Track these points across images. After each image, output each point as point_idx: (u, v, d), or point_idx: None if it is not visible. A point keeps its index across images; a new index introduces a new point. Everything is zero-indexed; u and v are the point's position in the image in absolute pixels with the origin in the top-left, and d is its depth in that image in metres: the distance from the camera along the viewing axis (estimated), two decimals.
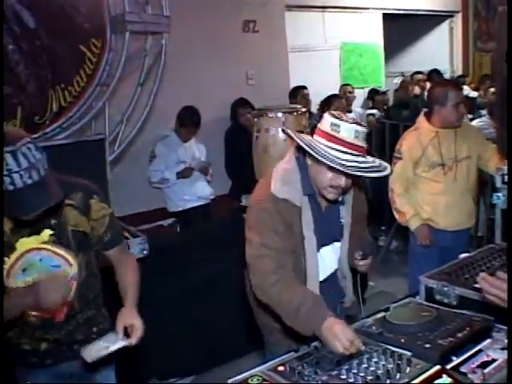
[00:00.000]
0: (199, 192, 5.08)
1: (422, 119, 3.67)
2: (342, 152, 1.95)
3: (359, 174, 1.98)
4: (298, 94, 5.98)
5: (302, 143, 2.01)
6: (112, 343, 1.98)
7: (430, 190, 3.57)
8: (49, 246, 1.99)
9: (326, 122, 2.02)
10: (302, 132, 3.72)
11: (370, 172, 2.01)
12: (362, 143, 1.99)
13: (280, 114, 3.81)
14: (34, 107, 3.79)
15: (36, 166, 1.74)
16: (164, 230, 5.27)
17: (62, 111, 3.90)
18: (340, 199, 2.23)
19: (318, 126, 2.07)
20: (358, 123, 2.00)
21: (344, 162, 1.93)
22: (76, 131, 3.97)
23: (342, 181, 2.05)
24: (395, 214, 3.73)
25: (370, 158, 2.07)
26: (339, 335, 1.83)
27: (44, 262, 2.00)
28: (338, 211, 2.27)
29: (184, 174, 4.90)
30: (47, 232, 1.98)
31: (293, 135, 2.10)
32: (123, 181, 4.76)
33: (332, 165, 1.94)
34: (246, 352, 3.73)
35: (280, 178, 2.13)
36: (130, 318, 2.06)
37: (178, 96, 5.35)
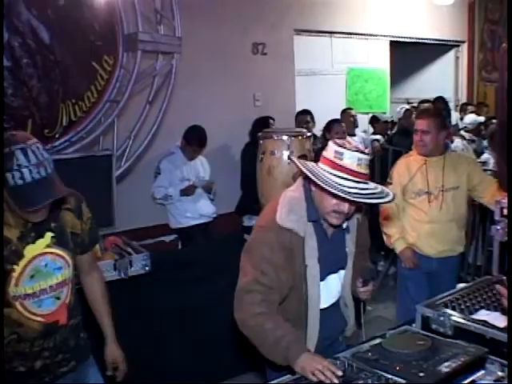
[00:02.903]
0: (201, 210, 5.12)
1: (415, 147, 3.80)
2: (345, 179, 2.00)
3: (361, 200, 2.03)
4: (304, 117, 6.03)
5: (305, 170, 2.06)
6: None
7: (415, 217, 3.68)
8: (52, 250, 2.11)
9: (330, 149, 2.07)
10: (306, 156, 3.79)
11: (372, 198, 2.05)
12: (364, 170, 2.04)
13: (285, 137, 3.85)
14: (45, 120, 3.86)
15: (44, 163, 1.87)
16: (165, 245, 5.32)
17: (71, 125, 3.97)
18: (345, 227, 2.27)
19: (323, 153, 2.12)
20: (360, 151, 2.05)
21: (346, 189, 1.97)
22: (84, 146, 4.03)
23: (346, 207, 2.09)
24: (384, 236, 3.86)
25: (372, 185, 2.10)
26: (314, 363, 1.93)
27: (48, 266, 2.11)
28: (343, 239, 2.30)
29: (187, 192, 4.95)
30: (49, 234, 2.11)
31: (297, 162, 2.15)
32: (128, 196, 4.82)
33: (334, 191, 1.98)
34: (243, 371, 3.76)
35: (286, 206, 2.16)
36: (114, 355, 2.40)
37: (186, 115, 5.43)
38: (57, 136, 3.89)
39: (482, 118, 7.85)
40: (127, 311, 3.46)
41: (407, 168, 3.68)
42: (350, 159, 2.01)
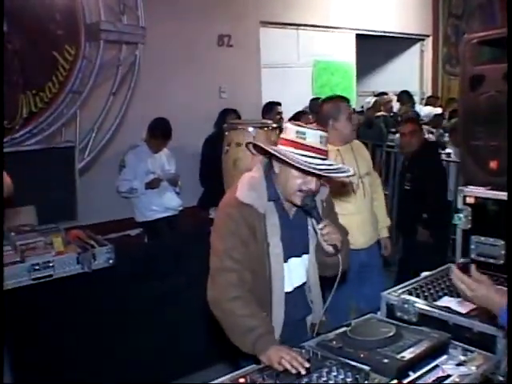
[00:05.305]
0: (167, 203, 5.08)
1: None
2: (311, 157, 2.04)
3: (331, 174, 2.09)
4: (272, 109, 6.00)
5: (275, 152, 2.08)
6: None
7: (342, 212, 3.12)
8: None
9: (291, 130, 2.10)
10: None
11: (338, 173, 2.11)
12: (326, 147, 2.10)
13: (251, 129, 3.83)
14: (4, 111, 3.76)
15: None
16: (131, 239, 5.26)
17: (32, 117, 3.89)
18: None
19: (282, 136, 2.15)
20: (320, 129, 2.12)
21: (315, 166, 2.02)
22: (46, 137, 3.96)
23: (313, 185, 2.12)
24: None
25: (331, 161, 2.18)
26: (281, 353, 1.92)
27: None
28: (306, 221, 2.29)
29: (152, 185, 4.89)
30: None
31: (264, 146, 2.17)
32: (92, 189, 4.75)
33: (306, 169, 2.01)
34: (212, 363, 3.73)
35: (246, 185, 2.19)
36: None
37: (150, 107, 5.37)
38: (17, 128, 3.81)
39: (438, 110, 7.96)
40: (92, 305, 3.42)
41: None
42: (313, 137, 2.06)
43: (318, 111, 3.74)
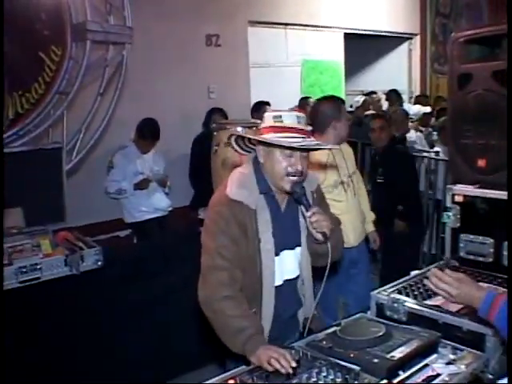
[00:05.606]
0: (156, 204, 5.06)
1: None
2: (291, 137, 2.07)
3: (312, 148, 2.14)
4: (261, 109, 5.95)
5: (252, 136, 2.13)
6: None
7: (335, 212, 3.00)
8: None
9: (268, 118, 2.15)
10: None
11: (319, 147, 2.18)
12: (305, 127, 2.13)
13: (239, 129, 3.82)
14: None
15: None
16: (120, 241, 5.23)
17: (18, 118, 3.85)
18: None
19: (261, 126, 2.18)
20: (296, 111, 2.18)
21: (295, 143, 2.04)
22: (33, 139, 3.92)
23: (299, 165, 2.12)
24: None
25: (313, 139, 2.20)
26: (270, 352, 1.91)
27: None
28: (297, 212, 2.28)
29: (141, 185, 4.87)
30: None
31: (241, 134, 2.22)
32: (80, 190, 4.72)
33: (285, 145, 2.04)
34: (204, 363, 3.72)
35: (236, 181, 2.18)
36: None
37: (138, 107, 5.35)
38: (3, 129, 3.76)
39: (427, 109, 7.98)
40: (80, 307, 3.39)
41: (318, 163, 3.43)
42: (290, 118, 2.10)
43: (314, 112, 3.71)
